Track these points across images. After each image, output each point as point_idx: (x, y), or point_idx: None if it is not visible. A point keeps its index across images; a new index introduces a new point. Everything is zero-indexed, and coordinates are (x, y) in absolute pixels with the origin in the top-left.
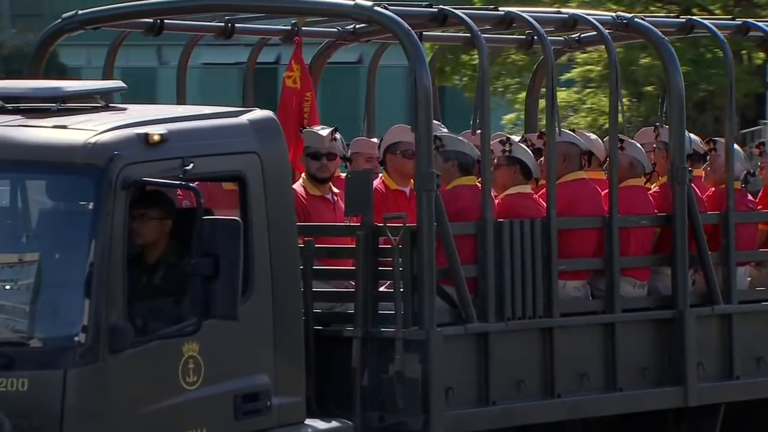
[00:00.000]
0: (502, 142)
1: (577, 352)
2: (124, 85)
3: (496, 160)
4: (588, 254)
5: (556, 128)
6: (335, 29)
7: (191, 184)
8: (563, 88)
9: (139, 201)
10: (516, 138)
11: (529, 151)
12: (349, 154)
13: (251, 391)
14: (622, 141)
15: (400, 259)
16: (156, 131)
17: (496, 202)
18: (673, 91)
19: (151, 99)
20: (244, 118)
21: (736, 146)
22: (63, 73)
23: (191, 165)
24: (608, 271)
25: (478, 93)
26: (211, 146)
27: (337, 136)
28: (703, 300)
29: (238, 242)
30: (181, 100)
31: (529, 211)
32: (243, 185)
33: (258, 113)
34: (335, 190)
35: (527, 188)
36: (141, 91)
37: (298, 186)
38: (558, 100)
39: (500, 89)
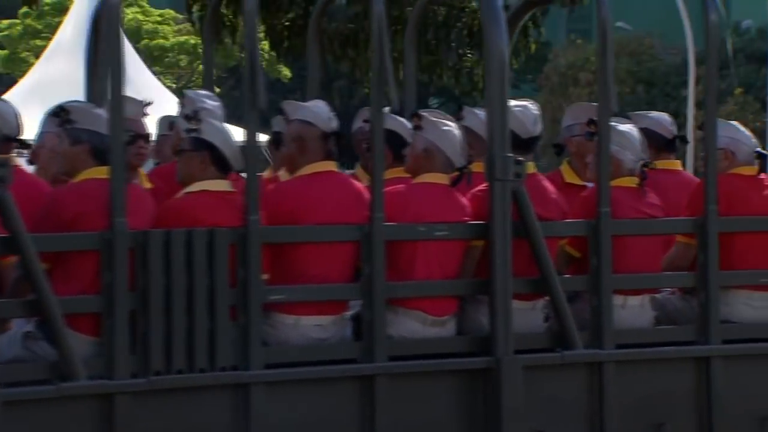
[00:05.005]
0: (188, 117)
1: (301, 418)
2: None
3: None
4: (338, 277)
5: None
6: None
7: None
8: None
9: None
10: None
11: (224, 131)
12: None
13: None
14: (419, 118)
15: None
16: None
17: (169, 202)
18: (490, 49)
19: None
20: None
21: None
22: None
23: None
24: (366, 301)
25: None
26: None
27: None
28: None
29: None
30: None
31: (214, 217)
32: None
33: None
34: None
35: (223, 184)
36: None
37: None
38: None
39: None
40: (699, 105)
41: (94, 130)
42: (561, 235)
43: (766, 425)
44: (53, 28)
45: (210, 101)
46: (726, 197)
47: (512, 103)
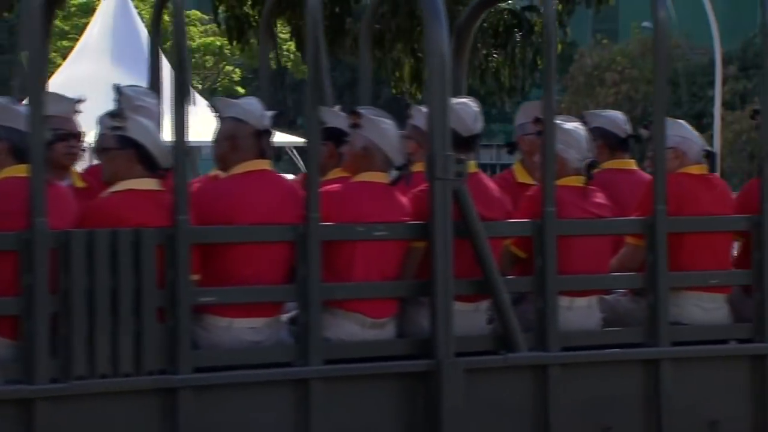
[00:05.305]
0: (112, 115)
1: (232, 424)
2: None
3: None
4: (272, 279)
5: (190, 96)
6: None
7: None
8: None
9: None
10: None
11: (151, 129)
12: None
13: None
14: (358, 116)
15: None
16: None
17: (93, 202)
18: (431, 46)
19: None
20: None
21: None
22: None
23: None
24: (301, 303)
25: None
26: None
27: None
28: (501, 345)
29: None
30: None
31: (140, 216)
32: None
33: None
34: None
35: (151, 183)
36: None
37: None
38: None
39: None
40: (726, 105)
41: (12, 127)
42: (504, 235)
43: (716, 429)
44: (80, 29)
45: (148, 98)
46: (675, 197)
47: (452, 100)
